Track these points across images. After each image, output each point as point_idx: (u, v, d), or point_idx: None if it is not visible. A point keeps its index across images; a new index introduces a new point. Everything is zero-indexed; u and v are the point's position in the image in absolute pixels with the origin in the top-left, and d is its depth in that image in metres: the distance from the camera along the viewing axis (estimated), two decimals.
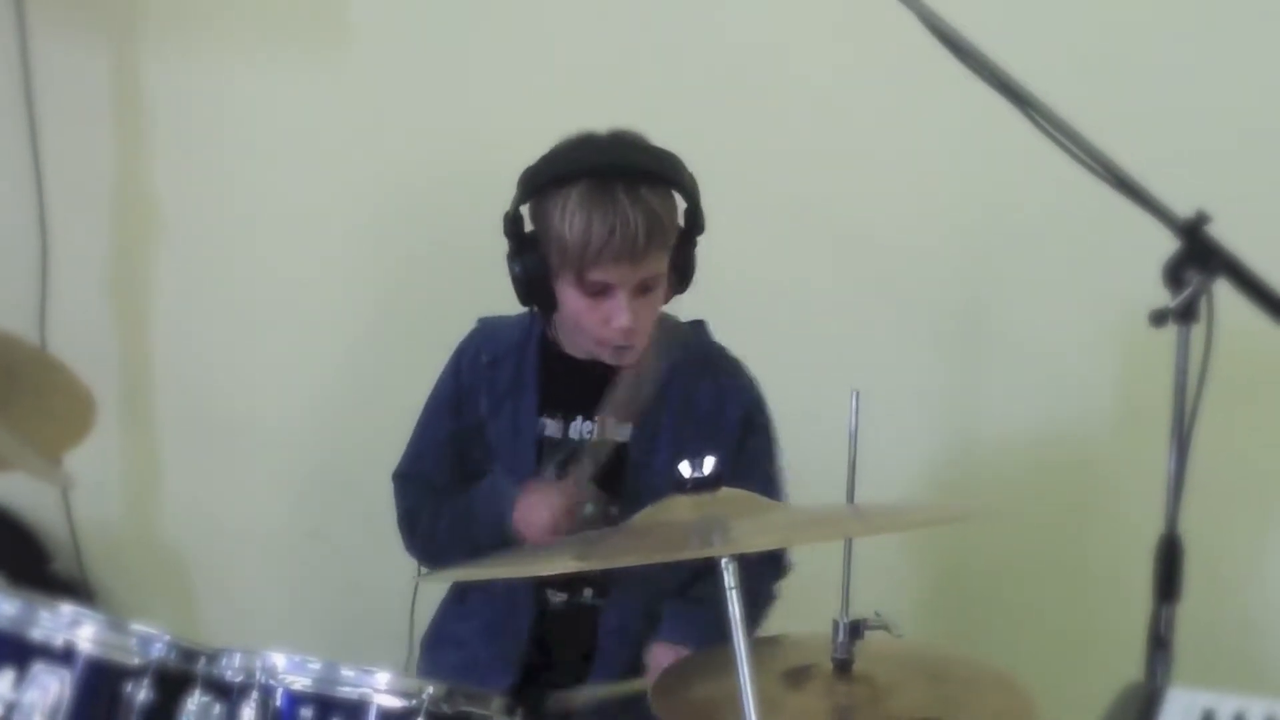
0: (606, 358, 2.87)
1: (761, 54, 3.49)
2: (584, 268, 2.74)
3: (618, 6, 3.58)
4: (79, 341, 3.83)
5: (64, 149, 3.97)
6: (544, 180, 2.78)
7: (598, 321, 2.79)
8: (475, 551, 2.82)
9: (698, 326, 3.03)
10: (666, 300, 2.90)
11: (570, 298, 2.80)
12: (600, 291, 2.77)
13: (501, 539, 2.81)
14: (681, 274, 2.86)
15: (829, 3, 3.38)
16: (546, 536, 2.76)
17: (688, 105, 3.49)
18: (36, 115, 3.95)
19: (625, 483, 2.89)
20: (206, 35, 3.90)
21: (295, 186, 3.87)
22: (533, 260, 2.80)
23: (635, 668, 2.87)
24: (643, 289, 2.78)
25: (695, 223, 2.84)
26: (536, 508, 2.78)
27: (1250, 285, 2.43)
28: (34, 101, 3.94)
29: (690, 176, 2.82)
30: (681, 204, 2.83)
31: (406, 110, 3.75)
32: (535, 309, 2.90)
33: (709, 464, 2.29)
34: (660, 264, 2.79)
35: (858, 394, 2.49)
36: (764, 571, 2.93)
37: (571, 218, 2.71)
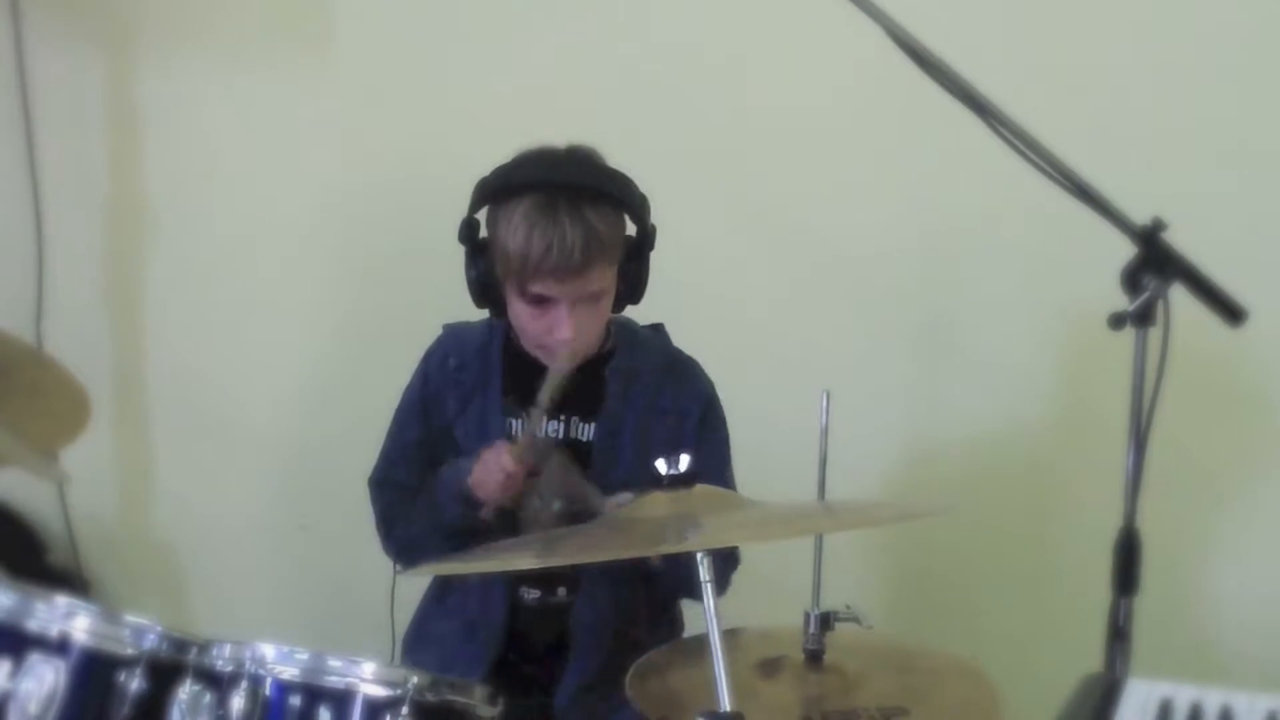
0: (546, 360, 2.87)
1: (733, 68, 3.49)
2: (525, 280, 2.75)
3: (592, 22, 3.58)
4: (74, 341, 3.81)
5: (59, 155, 3.96)
6: (493, 192, 2.79)
7: (540, 329, 2.81)
8: (445, 534, 2.85)
9: (657, 330, 3.05)
10: (619, 310, 2.90)
11: (515, 305, 2.81)
12: (541, 302, 2.77)
13: (464, 507, 2.81)
14: (633, 286, 2.86)
15: (799, 17, 3.36)
16: (501, 492, 2.75)
17: (661, 117, 3.49)
18: (33, 122, 3.94)
19: (591, 479, 2.88)
20: (195, 47, 3.89)
21: (280, 192, 3.86)
22: (485, 266, 2.82)
23: (608, 662, 2.85)
24: (586, 301, 2.78)
25: (645, 240, 2.84)
26: (489, 466, 2.76)
27: (1205, 290, 2.44)
28: (30, 109, 3.93)
29: (640, 196, 2.82)
30: (630, 223, 2.83)
31: (384, 120, 3.75)
32: (495, 318, 2.90)
33: (684, 461, 2.29)
34: (602, 279, 2.78)
35: (828, 395, 2.49)
36: (727, 567, 2.93)
37: (515, 231, 2.72)
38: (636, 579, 2.91)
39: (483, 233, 2.82)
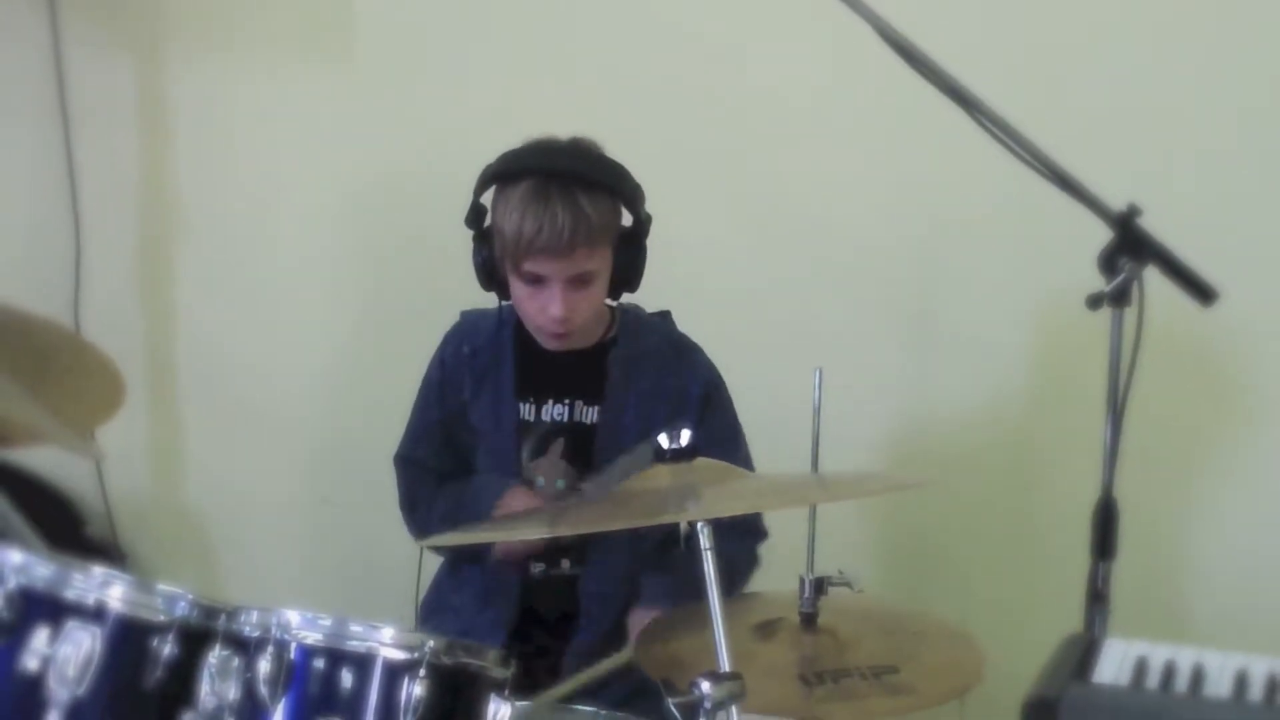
0: (544, 341, 2.92)
1: (731, 62, 3.48)
2: (518, 259, 2.77)
3: (598, 23, 3.57)
4: (109, 326, 3.83)
5: (95, 151, 3.96)
6: (495, 176, 2.82)
7: (535, 309, 2.84)
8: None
9: (664, 317, 3.05)
10: (616, 296, 2.92)
11: (514, 285, 2.84)
12: (536, 281, 2.80)
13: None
14: (628, 273, 2.87)
15: (791, 13, 3.36)
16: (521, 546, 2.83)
17: (662, 109, 3.48)
18: (70, 121, 3.94)
19: (594, 460, 2.92)
20: (223, 50, 3.89)
21: (304, 186, 3.87)
22: (488, 250, 2.84)
23: (616, 629, 2.88)
24: (578, 282, 2.80)
25: (640, 228, 2.85)
26: (512, 510, 2.83)
27: (1177, 271, 2.45)
28: (67, 108, 3.94)
29: (633, 185, 2.83)
30: (625, 211, 2.84)
31: (402, 117, 3.75)
32: (501, 300, 2.92)
33: (685, 435, 2.28)
34: (592, 261, 2.80)
35: (821, 373, 2.48)
36: (746, 540, 2.97)
37: (511, 213, 2.75)
38: (643, 552, 2.93)
39: (488, 220, 2.84)
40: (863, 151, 3.44)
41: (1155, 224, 2.45)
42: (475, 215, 2.85)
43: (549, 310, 2.80)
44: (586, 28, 3.59)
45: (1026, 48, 3.28)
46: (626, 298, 2.94)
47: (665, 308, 3.05)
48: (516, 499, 2.87)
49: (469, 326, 3.03)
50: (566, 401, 2.94)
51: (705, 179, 3.45)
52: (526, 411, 2.94)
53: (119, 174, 3.99)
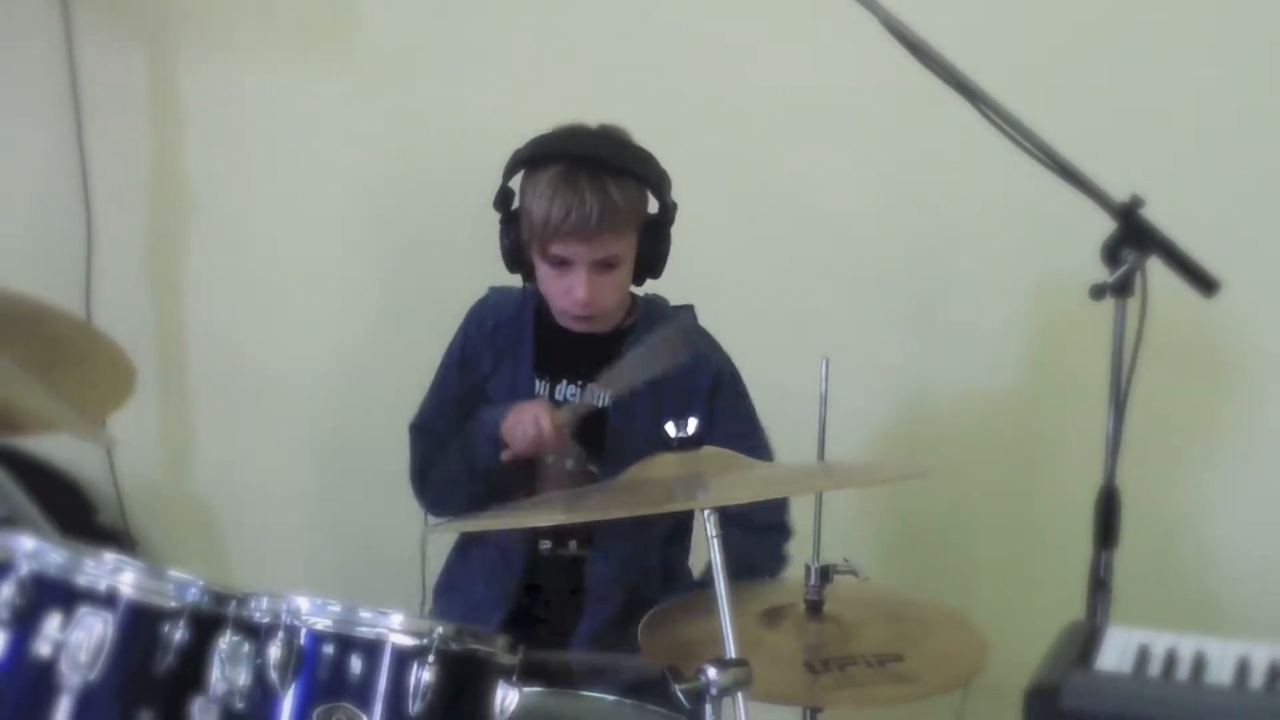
0: (569, 324, 2.93)
1: (733, 61, 3.47)
2: (545, 242, 2.79)
3: (599, 23, 3.57)
4: (120, 315, 3.80)
5: (106, 143, 3.95)
6: (524, 161, 2.83)
7: (560, 292, 2.85)
8: (475, 476, 2.89)
9: (687, 310, 3.05)
10: (640, 283, 2.93)
11: (539, 267, 2.86)
12: (561, 264, 2.81)
13: (491, 448, 2.85)
14: (652, 260, 2.89)
15: (792, 12, 3.36)
16: (531, 445, 2.80)
17: (666, 109, 3.46)
18: (82, 113, 3.93)
19: (605, 444, 2.92)
20: (234, 41, 3.89)
21: (313, 175, 3.86)
22: (515, 232, 2.85)
23: (622, 611, 2.86)
24: (602, 267, 2.82)
25: (665, 215, 2.87)
26: (523, 418, 2.80)
27: (1180, 262, 2.44)
28: (79, 100, 3.92)
29: (660, 172, 2.85)
30: (651, 198, 2.85)
31: (410, 108, 3.74)
32: (526, 281, 2.93)
33: (692, 424, 2.29)
34: (618, 246, 2.82)
35: (828, 362, 2.48)
36: (767, 536, 2.93)
37: (539, 196, 2.77)
38: (649, 539, 2.93)
39: (515, 203, 2.85)
40: (864, 145, 3.44)
41: (1156, 217, 2.45)
42: (503, 198, 2.86)
43: (574, 293, 2.81)
44: (587, 27, 3.59)
45: (1027, 47, 3.27)
46: (650, 285, 2.95)
47: (670, 300, 3.04)
48: (525, 413, 2.82)
49: (494, 302, 3.04)
50: (580, 383, 2.93)
51: (707, 177, 3.44)
52: (541, 389, 2.95)
53: (130, 166, 3.98)
